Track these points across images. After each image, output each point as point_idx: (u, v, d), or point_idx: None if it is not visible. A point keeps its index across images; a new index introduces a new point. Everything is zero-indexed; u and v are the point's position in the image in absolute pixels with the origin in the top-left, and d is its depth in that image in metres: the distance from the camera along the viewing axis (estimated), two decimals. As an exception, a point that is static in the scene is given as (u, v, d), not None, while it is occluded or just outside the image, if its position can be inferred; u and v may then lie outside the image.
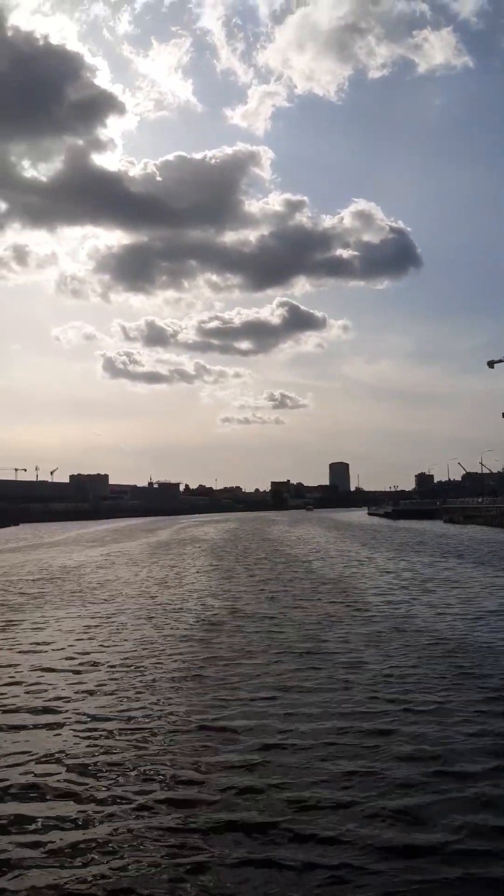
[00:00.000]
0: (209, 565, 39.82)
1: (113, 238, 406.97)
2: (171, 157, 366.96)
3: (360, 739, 9.94)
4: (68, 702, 12.18)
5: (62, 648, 16.65)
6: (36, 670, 14.50)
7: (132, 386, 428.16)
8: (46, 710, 11.70)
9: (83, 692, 12.79)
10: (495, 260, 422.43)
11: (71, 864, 6.85)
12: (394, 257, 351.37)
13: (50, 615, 21.95)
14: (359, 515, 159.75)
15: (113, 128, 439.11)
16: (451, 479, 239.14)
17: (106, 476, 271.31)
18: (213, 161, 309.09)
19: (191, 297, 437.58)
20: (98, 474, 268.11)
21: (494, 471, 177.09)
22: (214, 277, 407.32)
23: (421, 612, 20.71)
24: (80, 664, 14.91)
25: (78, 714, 11.45)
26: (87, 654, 15.96)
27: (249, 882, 6.53)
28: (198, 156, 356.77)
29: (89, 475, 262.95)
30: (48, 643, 17.36)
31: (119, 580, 32.61)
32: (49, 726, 10.88)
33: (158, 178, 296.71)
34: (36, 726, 10.90)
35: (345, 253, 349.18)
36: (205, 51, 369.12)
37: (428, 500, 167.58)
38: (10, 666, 14.96)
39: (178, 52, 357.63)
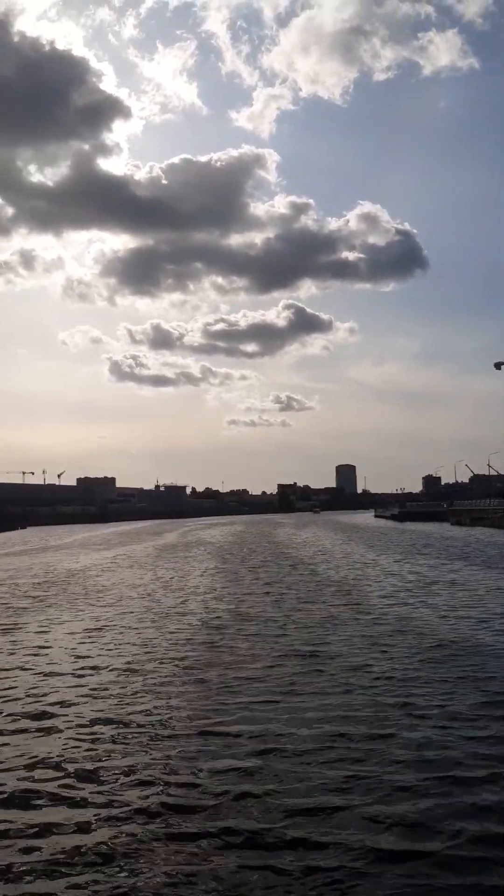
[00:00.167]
0: (214, 568, 39.81)
1: (119, 242, 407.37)
2: (176, 160, 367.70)
3: (361, 744, 9.86)
4: (69, 705, 12.15)
5: (65, 652, 16.64)
6: (38, 674, 14.49)
7: (138, 389, 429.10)
8: (46, 714, 11.67)
9: (84, 696, 12.76)
10: (501, 261, 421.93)
11: (67, 869, 6.80)
12: (400, 259, 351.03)
13: (54, 618, 21.95)
14: (365, 518, 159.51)
15: (119, 132, 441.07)
16: (459, 481, 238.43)
17: (113, 479, 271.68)
18: (218, 164, 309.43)
19: (196, 300, 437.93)
20: (105, 477, 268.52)
21: (502, 472, 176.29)
22: (220, 280, 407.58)
23: (425, 615, 20.62)
24: (83, 668, 14.89)
25: (78, 718, 11.41)
26: (90, 657, 15.94)
27: (248, 886, 6.48)
28: (203, 159, 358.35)
29: (96, 478, 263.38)
30: (51, 646, 17.36)
31: (124, 583, 32.62)
32: (48, 730, 10.85)
33: (164, 182, 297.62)
34: (36, 730, 10.87)
35: (350, 255, 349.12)
36: (210, 54, 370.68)
37: (435, 502, 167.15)
38: (12, 669, 14.96)
39: (183, 56, 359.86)
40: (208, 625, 19.90)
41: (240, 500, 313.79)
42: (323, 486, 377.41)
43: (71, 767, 9.26)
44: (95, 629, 19.73)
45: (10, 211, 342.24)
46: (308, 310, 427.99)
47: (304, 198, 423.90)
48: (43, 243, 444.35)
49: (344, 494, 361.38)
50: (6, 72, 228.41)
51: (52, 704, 12.22)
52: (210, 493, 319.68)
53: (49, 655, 16.29)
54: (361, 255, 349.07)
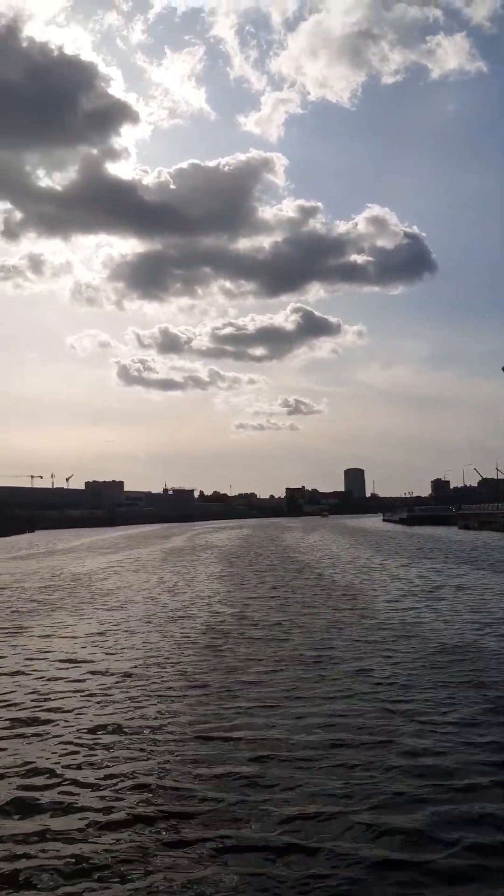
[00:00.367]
0: (221, 572, 39.79)
1: (127, 246, 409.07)
2: (184, 164, 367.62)
3: (361, 750, 9.80)
4: (70, 710, 12.15)
5: (68, 656, 16.63)
6: (40, 678, 14.50)
7: (147, 393, 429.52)
8: (47, 718, 11.67)
9: (85, 700, 12.75)
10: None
11: (65, 874, 6.79)
12: (408, 262, 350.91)
13: (59, 622, 21.97)
14: (374, 522, 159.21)
15: (127, 136, 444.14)
16: (468, 485, 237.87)
17: (121, 483, 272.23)
18: (226, 168, 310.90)
19: (205, 304, 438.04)
20: (113, 481, 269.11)
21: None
22: (228, 284, 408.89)
23: (429, 620, 20.53)
24: (85, 672, 14.89)
25: (79, 722, 11.41)
26: (93, 661, 15.93)
27: (246, 894, 6.46)
28: (211, 163, 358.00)
29: (105, 482, 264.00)
30: (55, 650, 17.37)
31: (130, 587, 32.63)
32: (48, 732, 10.85)
33: (172, 186, 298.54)
34: (36, 734, 10.87)
35: (359, 258, 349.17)
36: (218, 59, 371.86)
37: (443, 506, 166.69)
38: (15, 673, 14.98)
39: (191, 61, 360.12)
40: (212, 629, 19.88)
41: (248, 504, 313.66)
42: (331, 490, 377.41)
43: (69, 772, 9.25)
44: (99, 633, 19.73)
45: (18, 215, 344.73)
46: (316, 313, 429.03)
47: (313, 201, 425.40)
48: (51, 248, 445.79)
49: (352, 498, 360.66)
50: (15, 77, 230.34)
51: (52, 710, 12.20)
52: (218, 497, 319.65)
53: (52, 659, 16.29)
54: (370, 259, 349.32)
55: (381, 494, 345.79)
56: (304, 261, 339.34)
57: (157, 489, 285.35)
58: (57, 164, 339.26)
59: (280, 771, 9.12)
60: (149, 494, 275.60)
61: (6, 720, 11.68)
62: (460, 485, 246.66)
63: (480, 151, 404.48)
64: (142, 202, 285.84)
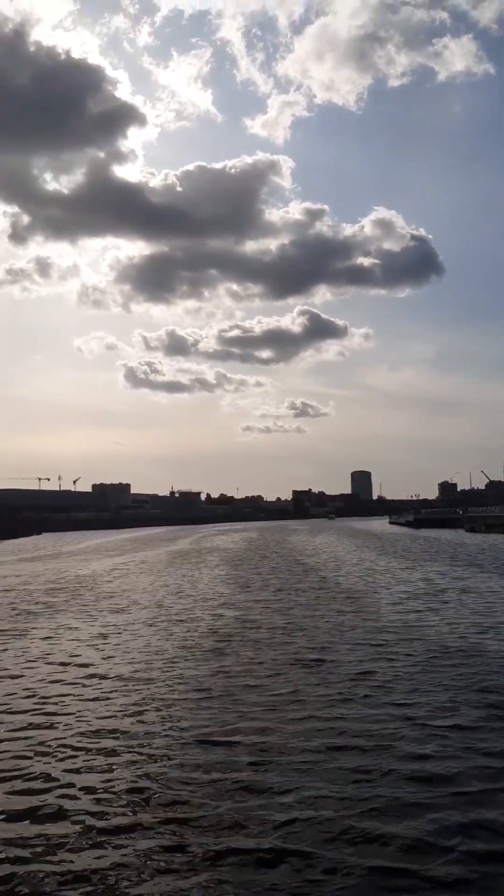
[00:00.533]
0: (225, 575, 39.77)
1: (134, 249, 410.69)
2: (191, 167, 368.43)
3: (360, 756, 9.74)
4: (69, 713, 12.14)
5: (70, 659, 16.64)
6: (42, 680, 14.51)
7: (153, 395, 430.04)
8: (46, 720, 11.66)
9: (85, 703, 12.76)
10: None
11: (63, 877, 6.79)
12: (415, 265, 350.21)
13: (62, 625, 22.00)
14: (380, 524, 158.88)
15: (134, 139, 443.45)
16: (475, 488, 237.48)
17: (128, 485, 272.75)
18: (233, 171, 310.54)
19: (211, 307, 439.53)
20: (120, 483, 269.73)
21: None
22: (235, 287, 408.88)
23: (433, 623, 20.43)
24: (86, 675, 14.89)
25: (78, 725, 11.40)
26: (95, 664, 15.93)
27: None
28: (218, 165, 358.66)
29: (111, 484, 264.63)
30: (57, 653, 17.38)
31: (134, 589, 32.64)
32: (47, 733, 10.84)
33: (179, 189, 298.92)
34: (35, 737, 10.85)
35: (366, 261, 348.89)
36: (225, 61, 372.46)
37: (450, 508, 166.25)
38: (17, 676, 15.00)
39: (198, 63, 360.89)
40: (215, 632, 19.85)
41: (254, 507, 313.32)
42: (338, 493, 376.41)
43: (68, 776, 9.23)
44: (102, 636, 19.74)
45: (26, 219, 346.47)
46: (323, 315, 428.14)
47: (319, 204, 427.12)
48: (58, 251, 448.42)
49: (359, 501, 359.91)
50: (22, 81, 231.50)
51: (52, 714, 12.20)
52: (224, 500, 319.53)
53: (54, 662, 16.30)
54: (376, 261, 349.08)
55: (388, 497, 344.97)
56: (310, 263, 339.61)
57: (163, 491, 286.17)
58: (64, 168, 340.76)
59: (279, 777, 9.05)
60: (155, 497, 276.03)
61: (6, 722, 11.68)
62: (467, 487, 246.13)
63: (487, 154, 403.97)
64: (148, 204, 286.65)
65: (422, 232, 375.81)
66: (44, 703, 12.79)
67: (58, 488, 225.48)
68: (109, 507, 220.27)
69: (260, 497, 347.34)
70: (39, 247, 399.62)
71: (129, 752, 10.13)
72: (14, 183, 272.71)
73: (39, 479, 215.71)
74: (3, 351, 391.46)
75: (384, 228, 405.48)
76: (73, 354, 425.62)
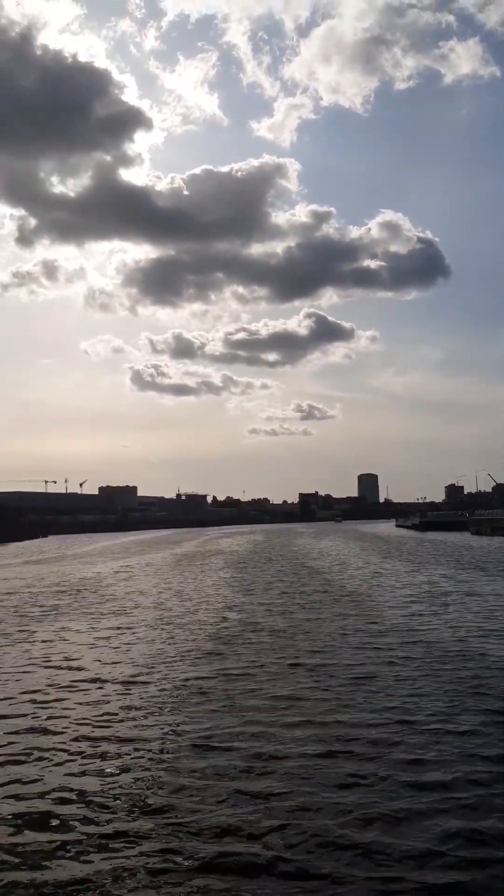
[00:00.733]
0: (230, 577, 39.74)
1: (140, 252, 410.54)
2: (197, 170, 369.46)
3: (359, 761, 9.67)
4: (69, 715, 12.13)
5: (71, 661, 16.64)
6: (42, 683, 14.51)
7: (160, 398, 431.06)
8: (46, 724, 11.65)
9: (85, 706, 12.74)
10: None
11: (59, 881, 6.77)
12: (422, 268, 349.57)
13: (65, 627, 22.01)
14: (386, 527, 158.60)
15: (140, 143, 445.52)
16: (482, 491, 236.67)
17: (134, 488, 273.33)
18: (239, 174, 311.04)
19: (218, 310, 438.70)
20: (126, 486, 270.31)
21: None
22: (241, 289, 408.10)
23: (436, 626, 20.36)
24: (87, 678, 14.87)
25: (78, 728, 11.38)
26: (96, 667, 15.93)
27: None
28: (224, 169, 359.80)
29: (118, 487, 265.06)
30: (58, 656, 17.38)
31: (138, 592, 32.65)
32: (46, 737, 10.84)
33: (185, 192, 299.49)
34: (34, 740, 10.84)
35: (372, 264, 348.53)
36: (231, 65, 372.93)
37: (456, 511, 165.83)
38: (17, 679, 14.99)
39: (204, 67, 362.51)
40: (218, 635, 19.82)
41: (261, 510, 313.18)
42: (345, 496, 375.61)
43: (65, 780, 9.21)
44: (105, 638, 19.73)
45: (32, 222, 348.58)
46: (329, 318, 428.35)
47: (326, 206, 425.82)
48: (65, 254, 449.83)
49: (366, 504, 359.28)
50: (29, 84, 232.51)
51: (48, 718, 12.17)
52: (231, 502, 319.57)
53: (55, 665, 16.29)
54: (383, 264, 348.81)
55: (395, 500, 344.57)
56: (317, 266, 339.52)
57: (170, 494, 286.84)
58: (71, 171, 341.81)
59: (275, 783, 8.98)
60: (161, 499, 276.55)
61: (5, 724, 11.69)
62: (474, 490, 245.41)
63: (494, 156, 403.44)
64: (155, 208, 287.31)
65: (428, 234, 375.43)
66: (42, 707, 12.78)
67: (64, 491, 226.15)
68: (116, 510, 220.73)
69: (266, 500, 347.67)
70: (46, 250, 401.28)
71: (125, 756, 10.08)
72: (21, 186, 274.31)
73: (46, 481, 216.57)
74: (10, 354, 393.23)
75: (391, 231, 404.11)
76: (80, 357, 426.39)
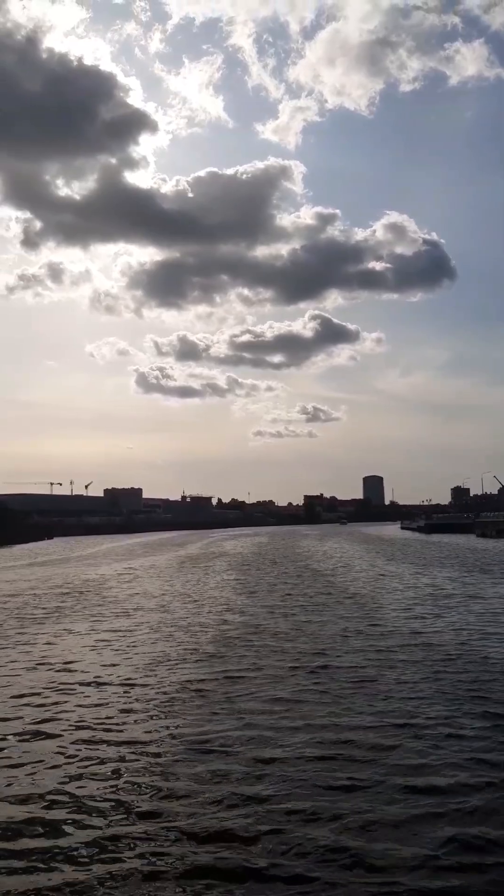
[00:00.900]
0: (233, 580, 39.72)
1: (145, 254, 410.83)
2: (202, 173, 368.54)
3: (355, 766, 9.64)
4: (69, 716, 12.15)
5: (72, 664, 16.62)
6: (41, 685, 14.52)
7: (165, 400, 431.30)
8: (45, 723, 11.71)
9: (85, 707, 12.77)
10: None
11: (54, 868, 6.80)
12: (427, 269, 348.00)
13: (67, 629, 22.02)
14: (391, 529, 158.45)
15: (145, 145, 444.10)
16: (487, 493, 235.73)
17: (139, 490, 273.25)
18: (244, 176, 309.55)
19: (222, 312, 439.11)
20: (132, 488, 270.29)
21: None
22: (246, 292, 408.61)
23: (438, 628, 20.30)
24: (86, 680, 14.87)
25: (78, 729, 11.40)
26: (96, 669, 15.91)
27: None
28: (229, 171, 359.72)
29: (123, 489, 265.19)
30: (59, 658, 17.37)
31: (141, 594, 32.65)
32: (46, 738, 10.87)
33: (190, 195, 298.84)
34: (32, 742, 10.86)
35: (377, 266, 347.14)
36: (236, 67, 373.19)
37: (462, 513, 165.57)
38: (18, 681, 15.00)
39: (209, 70, 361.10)
40: (219, 637, 19.80)
41: (265, 512, 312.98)
42: (350, 498, 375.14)
43: (59, 783, 9.21)
44: (107, 641, 19.71)
45: (38, 225, 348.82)
46: (334, 320, 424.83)
47: (331, 208, 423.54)
48: (70, 256, 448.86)
49: (371, 506, 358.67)
50: (35, 87, 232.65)
51: (46, 721, 12.16)
52: (236, 505, 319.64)
53: (56, 667, 16.29)
54: (388, 266, 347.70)
55: (400, 502, 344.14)
56: (322, 268, 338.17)
57: (175, 496, 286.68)
58: (76, 174, 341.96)
59: (272, 788, 8.94)
60: (166, 501, 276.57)
61: (2, 727, 11.70)
62: (480, 492, 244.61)
63: (500, 158, 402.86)
64: (160, 210, 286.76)
65: (434, 236, 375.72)
66: (40, 709, 12.78)
67: (70, 493, 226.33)
68: (121, 512, 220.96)
69: (271, 502, 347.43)
70: (52, 252, 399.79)
71: (122, 760, 10.06)
72: (26, 188, 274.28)
73: (52, 483, 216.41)
74: (15, 356, 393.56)
75: (396, 233, 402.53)
76: (86, 360, 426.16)
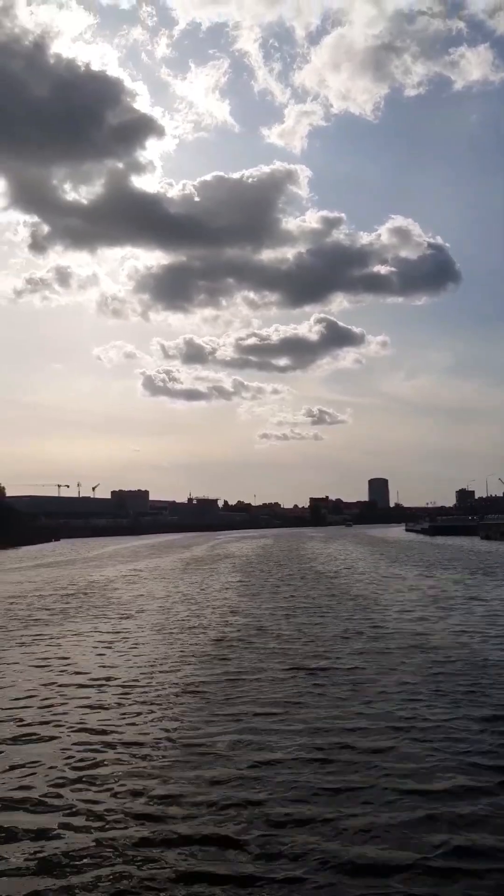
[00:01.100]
0: (237, 581, 39.81)
1: (152, 258, 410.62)
2: (208, 177, 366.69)
3: (352, 772, 9.64)
4: (70, 716, 12.27)
5: (74, 665, 16.73)
6: (45, 684, 14.68)
7: (171, 403, 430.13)
8: (46, 724, 11.81)
9: (86, 708, 12.88)
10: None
11: (53, 873, 6.93)
12: (432, 273, 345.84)
13: (71, 630, 22.13)
14: (396, 532, 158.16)
15: (152, 150, 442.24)
16: (492, 496, 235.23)
17: (146, 492, 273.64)
18: (250, 180, 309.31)
19: (228, 315, 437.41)
20: (139, 490, 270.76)
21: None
22: (252, 295, 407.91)
23: (439, 630, 20.32)
24: (89, 680, 15.00)
25: (78, 730, 11.50)
26: (99, 669, 16.02)
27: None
28: (235, 175, 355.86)
29: (130, 491, 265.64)
30: (61, 659, 17.47)
31: (146, 596, 32.74)
32: (45, 739, 10.97)
33: (196, 199, 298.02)
34: (31, 744, 10.93)
35: (382, 269, 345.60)
36: (242, 72, 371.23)
37: (466, 516, 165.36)
38: (18, 683, 15.12)
39: (215, 74, 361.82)
40: (222, 639, 19.85)
41: (271, 514, 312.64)
42: (355, 500, 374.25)
43: (58, 783, 9.28)
44: (110, 642, 19.81)
45: (45, 229, 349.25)
46: (340, 323, 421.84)
47: (336, 212, 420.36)
48: (78, 260, 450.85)
49: (376, 508, 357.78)
50: (43, 93, 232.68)
51: (46, 723, 12.23)
52: (242, 507, 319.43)
53: (57, 668, 16.38)
54: (393, 269, 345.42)
55: (406, 504, 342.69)
56: (327, 271, 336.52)
57: (181, 498, 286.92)
58: (83, 178, 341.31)
59: (270, 793, 8.95)
60: (173, 504, 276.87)
61: (7, 724, 11.83)
62: (485, 495, 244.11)
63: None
64: (167, 215, 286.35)
65: (439, 240, 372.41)
66: (41, 711, 12.85)
67: (77, 495, 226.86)
68: (127, 514, 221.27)
69: (277, 504, 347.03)
70: (59, 256, 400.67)
71: (119, 763, 10.10)
72: (34, 193, 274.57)
73: (59, 485, 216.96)
74: (23, 359, 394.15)
75: (401, 237, 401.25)
76: (93, 363, 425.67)
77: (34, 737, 11.33)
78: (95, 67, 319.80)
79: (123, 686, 14.56)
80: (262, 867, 7.08)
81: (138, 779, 9.37)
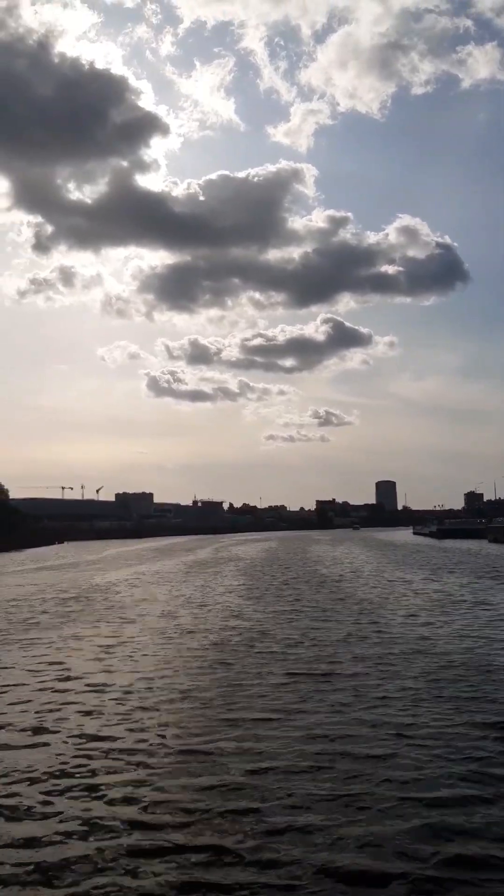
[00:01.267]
0: (241, 585, 39.56)
1: (157, 258, 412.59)
2: (214, 176, 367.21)
3: (353, 780, 9.45)
4: (69, 721, 12.15)
5: (74, 669, 16.58)
6: (45, 689, 14.52)
7: (176, 404, 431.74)
8: (44, 728, 11.72)
9: (86, 712, 12.74)
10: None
11: (41, 882, 6.80)
12: (440, 273, 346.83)
13: (71, 635, 21.96)
14: (403, 535, 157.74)
15: (157, 148, 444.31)
16: (501, 498, 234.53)
17: (151, 494, 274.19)
18: (256, 179, 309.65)
19: (234, 316, 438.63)
20: (143, 492, 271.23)
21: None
22: (258, 295, 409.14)
23: (444, 635, 20.09)
24: (86, 687, 14.79)
25: (77, 733, 11.40)
26: (98, 674, 15.86)
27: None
28: (241, 174, 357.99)
29: (134, 493, 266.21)
30: (61, 664, 17.31)
31: (147, 599, 32.57)
32: (44, 743, 10.88)
33: (201, 198, 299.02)
34: (31, 744, 10.85)
35: (390, 269, 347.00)
36: (248, 70, 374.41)
37: (475, 519, 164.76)
38: (18, 685, 14.98)
39: (221, 73, 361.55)
40: (223, 644, 19.66)
41: (277, 517, 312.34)
42: (362, 503, 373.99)
43: (56, 785, 9.16)
44: (111, 646, 19.66)
45: (49, 229, 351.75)
46: (347, 324, 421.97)
47: (343, 212, 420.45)
48: (82, 260, 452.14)
49: (384, 511, 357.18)
50: (47, 91, 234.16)
51: (42, 728, 12.07)
52: (247, 509, 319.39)
53: (57, 672, 16.23)
54: (401, 269, 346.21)
55: (413, 507, 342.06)
56: (334, 271, 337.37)
57: (186, 501, 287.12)
58: (87, 178, 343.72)
59: (268, 801, 8.79)
60: (177, 506, 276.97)
61: (5, 728, 11.68)
62: (493, 498, 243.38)
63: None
64: (171, 214, 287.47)
65: (447, 239, 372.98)
66: (38, 716, 12.70)
67: (81, 497, 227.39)
68: (132, 516, 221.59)
69: (283, 506, 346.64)
70: (63, 256, 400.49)
71: (115, 771, 9.93)
72: (38, 193, 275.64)
73: (63, 487, 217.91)
74: (26, 360, 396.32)
75: (408, 236, 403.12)
76: (97, 363, 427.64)
77: (29, 743, 11.18)
78: (99, 66, 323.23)
79: (122, 691, 14.41)
80: (258, 876, 6.97)
81: (133, 786, 9.23)
